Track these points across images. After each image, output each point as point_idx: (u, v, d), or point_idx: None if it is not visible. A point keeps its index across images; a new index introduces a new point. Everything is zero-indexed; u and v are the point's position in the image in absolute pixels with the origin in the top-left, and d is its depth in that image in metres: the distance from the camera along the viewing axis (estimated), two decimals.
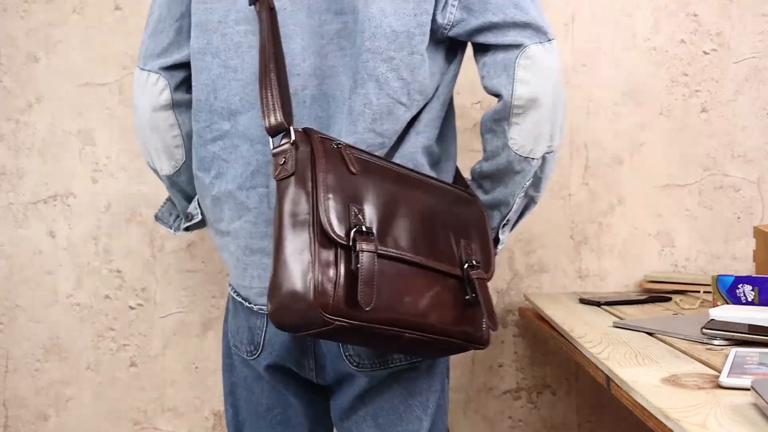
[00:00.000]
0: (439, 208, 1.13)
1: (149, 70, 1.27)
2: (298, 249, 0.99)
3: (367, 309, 0.97)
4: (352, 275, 0.98)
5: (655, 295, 1.75)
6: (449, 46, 1.21)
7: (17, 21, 1.92)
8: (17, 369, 1.95)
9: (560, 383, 1.98)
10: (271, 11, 1.11)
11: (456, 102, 1.32)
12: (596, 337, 1.29)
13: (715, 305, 1.43)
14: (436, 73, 1.19)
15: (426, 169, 1.19)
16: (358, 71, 1.14)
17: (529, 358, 1.97)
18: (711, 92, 1.94)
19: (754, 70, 1.94)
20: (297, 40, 1.16)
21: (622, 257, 1.95)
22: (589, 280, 1.95)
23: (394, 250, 1.04)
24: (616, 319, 1.45)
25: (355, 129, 1.14)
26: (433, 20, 1.16)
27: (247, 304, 1.24)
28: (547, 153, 1.23)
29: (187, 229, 1.39)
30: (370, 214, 1.03)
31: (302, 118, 1.16)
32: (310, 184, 1.01)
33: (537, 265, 1.95)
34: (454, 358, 1.95)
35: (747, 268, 1.92)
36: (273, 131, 1.06)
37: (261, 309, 1.21)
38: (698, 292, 1.77)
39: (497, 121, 1.20)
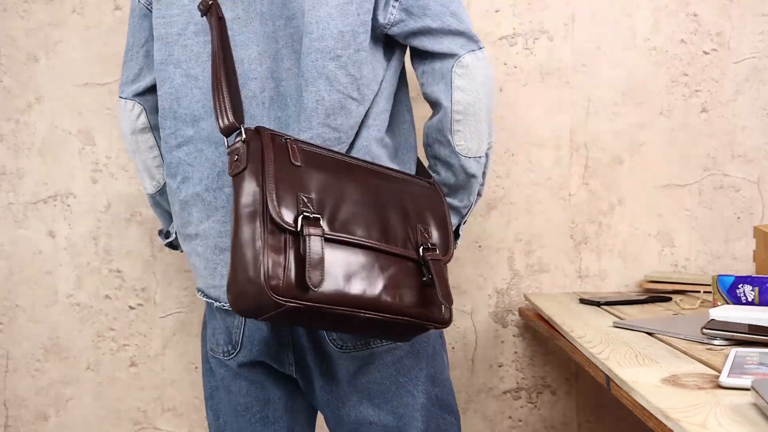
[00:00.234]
0: (392, 195, 1.19)
1: (125, 98, 1.38)
2: (250, 238, 1.05)
3: (315, 289, 1.03)
4: (301, 259, 1.05)
5: (655, 295, 1.75)
6: (386, 43, 1.28)
7: (17, 21, 1.92)
8: (17, 369, 1.95)
9: (560, 383, 1.98)
10: (220, 20, 1.18)
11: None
12: (596, 337, 1.29)
13: (715, 305, 1.43)
14: (378, 68, 1.26)
15: (383, 160, 1.26)
16: (309, 70, 1.21)
17: (529, 358, 1.97)
18: (711, 92, 1.94)
19: (754, 70, 1.94)
20: (253, 47, 1.24)
21: (622, 257, 1.95)
22: (589, 280, 1.95)
23: (344, 235, 1.10)
24: (616, 319, 1.45)
25: (310, 125, 1.21)
26: (374, 18, 1.23)
27: (218, 303, 1.28)
28: (488, 149, 1.33)
29: (169, 245, 1.51)
30: (319, 201, 1.10)
31: (263, 119, 1.24)
32: (260, 176, 1.07)
33: (537, 265, 1.95)
34: (453, 358, 1.95)
35: (747, 268, 1.92)
36: (226, 131, 1.12)
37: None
38: (698, 292, 1.77)
39: (441, 130, 1.29)
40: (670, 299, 1.72)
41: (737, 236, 1.95)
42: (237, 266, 1.05)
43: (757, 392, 0.83)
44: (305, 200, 1.08)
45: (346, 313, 1.08)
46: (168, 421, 1.97)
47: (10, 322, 1.95)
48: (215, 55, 1.15)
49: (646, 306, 1.65)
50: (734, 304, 1.40)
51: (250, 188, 1.07)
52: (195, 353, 1.96)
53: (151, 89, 1.36)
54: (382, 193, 1.17)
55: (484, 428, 1.97)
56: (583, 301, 1.70)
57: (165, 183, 1.40)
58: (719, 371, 1.00)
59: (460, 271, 1.95)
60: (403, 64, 1.35)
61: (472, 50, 1.26)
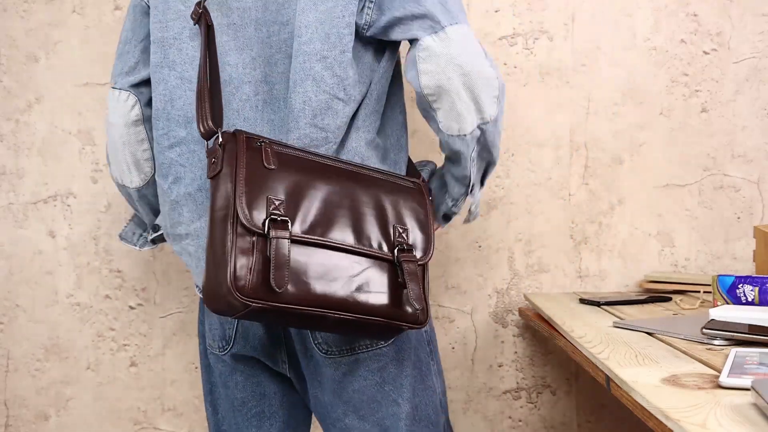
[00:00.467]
0: (369, 197, 1.20)
1: (120, 88, 1.37)
2: (221, 240, 1.07)
3: (279, 291, 1.05)
4: (267, 261, 1.06)
5: (655, 295, 1.75)
6: (376, 47, 1.28)
7: (17, 21, 1.92)
8: (17, 369, 1.95)
9: (560, 383, 1.98)
10: (209, 28, 1.22)
11: None
12: (596, 337, 1.29)
13: (715, 305, 1.43)
14: (365, 69, 1.26)
15: (373, 162, 1.26)
16: (297, 72, 1.22)
17: (529, 358, 1.97)
18: (711, 92, 1.94)
19: (754, 70, 1.94)
20: (247, 51, 1.26)
21: (622, 257, 1.95)
22: (589, 280, 1.95)
23: (314, 237, 1.11)
24: (616, 319, 1.45)
25: (298, 125, 1.22)
26: (357, 21, 1.24)
27: None
28: (482, 125, 1.27)
29: (153, 241, 1.51)
30: (290, 204, 1.11)
31: (256, 121, 1.26)
32: (233, 179, 1.09)
33: (537, 265, 1.95)
34: (453, 358, 1.95)
35: (747, 268, 1.92)
36: (206, 136, 1.16)
37: None
38: (698, 292, 1.77)
39: (425, 110, 1.29)
40: (670, 299, 1.72)
41: (737, 236, 1.95)
42: (209, 267, 1.08)
43: (757, 392, 0.83)
44: (275, 203, 1.10)
45: (315, 314, 1.10)
46: (168, 421, 1.97)
47: (10, 322, 1.95)
48: (201, 63, 1.20)
49: (646, 306, 1.65)
50: (734, 304, 1.40)
51: (223, 191, 1.09)
52: (195, 353, 1.96)
53: (146, 83, 1.36)
54: (357, 195, 1.18)
55: (484, 428, 1.97)
56: (583, 301, 1.70)
57: (153, 176, 1.40)
58: (719, 371, 1.00)
59: (460, 271, 1.95)
60: (398, 65, 1.35)
61: (435, 31, 1.21)
